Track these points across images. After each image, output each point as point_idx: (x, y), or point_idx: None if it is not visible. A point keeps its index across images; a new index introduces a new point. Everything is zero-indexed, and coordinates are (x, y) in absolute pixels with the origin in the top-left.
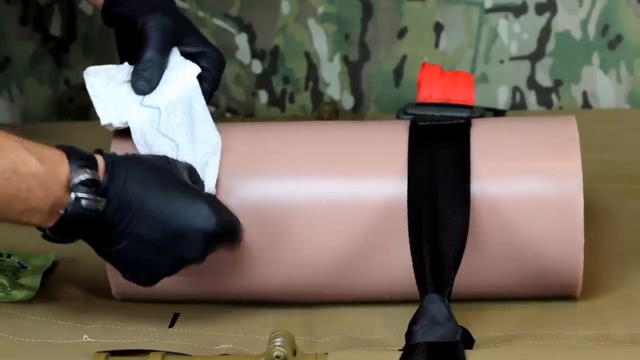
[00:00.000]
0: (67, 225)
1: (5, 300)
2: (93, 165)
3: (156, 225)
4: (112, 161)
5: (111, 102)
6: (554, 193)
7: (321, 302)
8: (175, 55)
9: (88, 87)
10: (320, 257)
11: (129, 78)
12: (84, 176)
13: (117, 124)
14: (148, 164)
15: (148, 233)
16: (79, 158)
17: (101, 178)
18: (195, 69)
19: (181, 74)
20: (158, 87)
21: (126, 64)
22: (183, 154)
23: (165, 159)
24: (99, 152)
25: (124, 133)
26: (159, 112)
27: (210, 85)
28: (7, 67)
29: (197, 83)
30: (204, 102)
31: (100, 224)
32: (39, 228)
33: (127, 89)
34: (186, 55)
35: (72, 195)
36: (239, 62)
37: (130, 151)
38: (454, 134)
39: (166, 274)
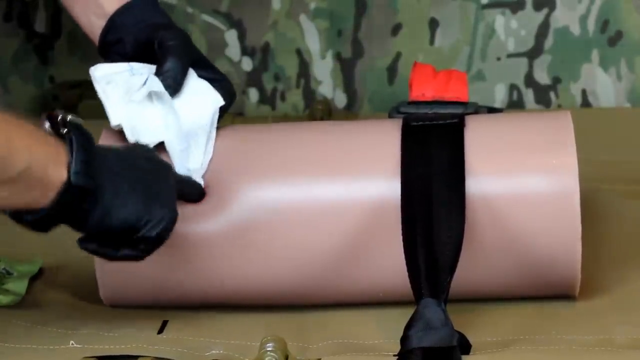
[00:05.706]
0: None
1: None
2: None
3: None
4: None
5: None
6: (550, 187)
7: (314, 306)
8: (197, 79)
9: (98, 89)
10: (314, 257)
11: (146, 85)
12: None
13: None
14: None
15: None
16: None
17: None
18: (219, 101)
19: (204, 100)
20: (180, 110)
21: (146, 65)
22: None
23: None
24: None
25: (114, 131)
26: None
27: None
28: None
29: (217, 113)
30: (214, 132)
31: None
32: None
33: (147, 105)
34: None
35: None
36: (229, 59)
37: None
38: (448, 133)
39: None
